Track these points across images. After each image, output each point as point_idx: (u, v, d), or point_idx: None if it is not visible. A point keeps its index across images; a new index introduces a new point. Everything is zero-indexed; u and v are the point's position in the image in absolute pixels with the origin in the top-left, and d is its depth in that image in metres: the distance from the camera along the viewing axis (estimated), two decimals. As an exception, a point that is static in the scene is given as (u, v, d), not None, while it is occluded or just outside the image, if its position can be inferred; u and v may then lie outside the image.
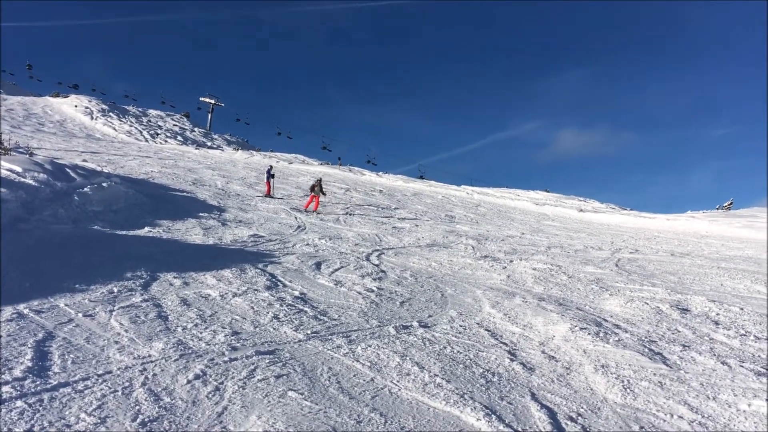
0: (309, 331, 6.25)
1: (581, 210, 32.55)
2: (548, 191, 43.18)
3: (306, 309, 7.20)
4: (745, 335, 7.05)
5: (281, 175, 30.90)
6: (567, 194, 41.85)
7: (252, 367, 5.03)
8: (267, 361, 5.22)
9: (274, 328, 6.27)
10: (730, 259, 14.85)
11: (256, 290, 7.87)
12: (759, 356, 6.25)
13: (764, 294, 9.81)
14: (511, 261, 12.57)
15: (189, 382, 4.60)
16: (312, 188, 22.11)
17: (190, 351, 5.30)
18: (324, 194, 22.36)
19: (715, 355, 6.17)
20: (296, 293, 8.01)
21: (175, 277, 8.06)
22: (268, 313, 6.84)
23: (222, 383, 4.62)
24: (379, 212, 22.73)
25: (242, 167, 34.06)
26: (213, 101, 67.41)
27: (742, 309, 8.44)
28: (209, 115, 67.09)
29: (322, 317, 6.91)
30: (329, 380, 4.90)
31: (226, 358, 5.18)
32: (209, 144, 58.84)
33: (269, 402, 4.34)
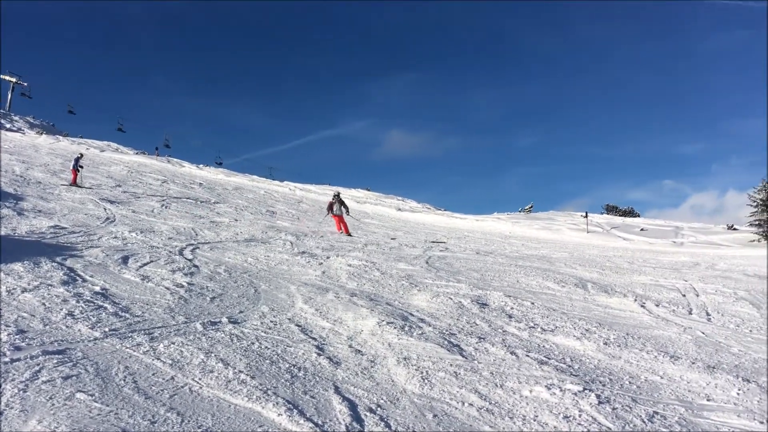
0: (107, 329, 5.89)
1: (399, 209, 33.78)
2: (369, 190, 44.33)
3: (106, 305, 6.78)
4: (533, 327, 7.70)
5: (91, 163, 28.86)
6: (387, 193, 43.25)
7: (37, 368, 4.64)
8: (55, 361, 4.84)
9: (67, 326, 5.83)
10: (527, 258, 16.16)
11: (51, 285, 7.29)
12: (543, 346, 6.86)
13: (552, 289, 10.79)
14: (328, 257, 12.73)
15: (-41, 386, 4.14)
16: (330, 207, 19.39)
17: (-37, 352, 4.77)
18: (347, 211, 19.50)
19: (506, 346, 6.67)
20: (97, 289, 7.52)
21: (-48, 271, 7.23)
22: (61, 309, 6.35)
23: (-1, 387, 4.21)
24: (198, 205, 22.00)
25: (46, 153, 31.36)
26: (14, 80, 61.26)
27: (533, 303, 9.21)
28: (9, 95, 60.95)
29: (123, 314, 6.54)
30: (124, 380, 4.64)
31: (6, 359, 4.73)
32: (8, 126, 53.48)
33: (53, 405, 4.02)
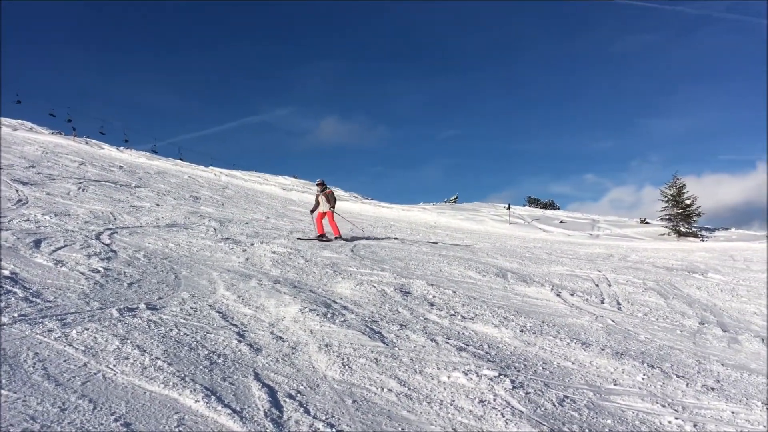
0: (16, 314, 5.65)
1: (326, 197, 33.73)
2: (296, 177, 43.98)
3: (16, 290, 6.49)
4: (454, 315, 7.87)
5: (3, 142, 27.46)
6: (314, 181, 42.98)
7: (-62, 355, 4.42)
8: (-42, 348, 4.62)
9: (-27, 312, 5.57)
10: (450, 248, 16.45)
11: (-45, 269, 6.92)
12: (463, 333, 7.03)
13: (473, 278, 11.04)
14: (252, 244, 12.59)
15: None
16: (316, 204, 15.70)
17: None
18: (332, 207, 15.42)
19: (426, 333, 6.79)
20: (6, 273, 7.19)
21: None
22: (-34, 294, 6.05)
23: None
24: (117, 189, 21.29)
25: (-48, 129, 29.61)
26: None
27: (454, 292, 9.40)
28: None
29: (34, 299, 6.29)
30: (34, 367, 4.48)
31: None
32: None
33: (-45, 393, 3.85)
